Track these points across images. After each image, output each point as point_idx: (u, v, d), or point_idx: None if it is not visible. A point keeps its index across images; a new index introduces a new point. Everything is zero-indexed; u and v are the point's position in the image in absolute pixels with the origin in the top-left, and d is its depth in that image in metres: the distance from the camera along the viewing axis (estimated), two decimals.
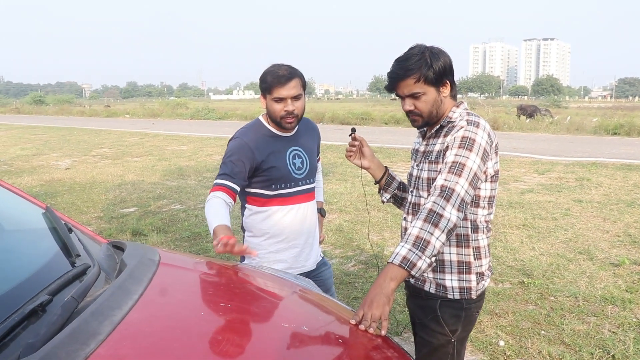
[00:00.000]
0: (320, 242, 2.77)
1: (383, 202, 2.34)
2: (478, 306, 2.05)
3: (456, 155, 1.81)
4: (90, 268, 1.48)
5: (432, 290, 2.01)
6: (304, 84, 2.38)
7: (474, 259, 1.97)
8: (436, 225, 1.70)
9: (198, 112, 34.26)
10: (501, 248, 5.51)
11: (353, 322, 1.56)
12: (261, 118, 2.51)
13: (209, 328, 1.20)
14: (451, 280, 1.97)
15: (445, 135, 1.94)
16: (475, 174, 1.79)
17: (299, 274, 2.38)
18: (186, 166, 11.88)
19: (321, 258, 2.73)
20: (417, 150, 2.14)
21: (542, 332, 3.64)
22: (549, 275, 4.71)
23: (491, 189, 1.96)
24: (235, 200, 2.39)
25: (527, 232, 6.12)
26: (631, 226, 6.27)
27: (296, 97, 2.32)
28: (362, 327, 1.54)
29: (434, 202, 1.73)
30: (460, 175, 1.77)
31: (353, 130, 2.23)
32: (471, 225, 1.95)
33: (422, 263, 1.67)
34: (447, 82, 1.95)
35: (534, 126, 21.35)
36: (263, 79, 2.34)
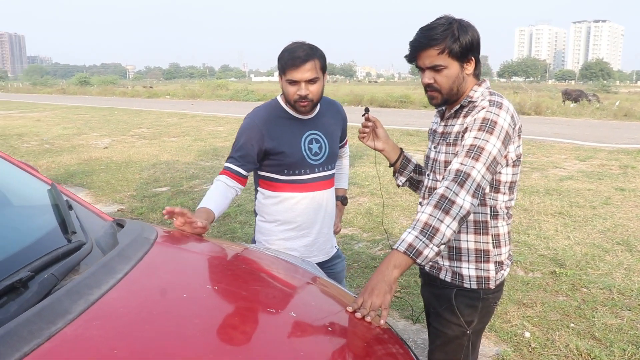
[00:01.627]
0: (336, 233, 2.65)
1: (398, 185, 2.23)
2: (496, 297, 1.94)
3: (475, 137, 1.69)
4: (83, 245, 1.45)
5: (448, 279, 1.91)
6: (323, 66, 2.21)
7: (493, 247, 1.86)
8: (447, 212, 1.59)
9: (237, 93, 34.45)
10: (534, 236, 5.32)
11: (350, 309, 1.48)
12: (279, 98, 2.37)
13: (188, 311, 1.15)
14: (468, 268, 1.87)
15: (465, 116, 1.82)
16: (494, 158, 1.68)
17: None
18: (221, 147, 11.94)
19: (336, 250, 2.60)
20: (434, 131, 2.02)
21: (572, 324, 3.49)
22: (582, 266, 4.52)
23: (512, 174, 1.84)
24: (244, 184, 2.31)
25: (563, 220, 5.90)
26: None
27: (311, 81, 2.16)
28: (359, 314, 1.45)
29: (447, 188, 1.63)
30: (477, 160, 1.65)
31: (366, 110, 2.12)
32: (490, 211, 1.84)
33: (429, 252, 1.57)
34: (472, 59, 1.81)
35: (578, 111, 20.65)
36: (280, 57, 2.19)
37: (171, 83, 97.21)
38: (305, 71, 2.13)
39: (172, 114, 21.30)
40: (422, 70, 1.82)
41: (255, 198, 2.49)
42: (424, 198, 2.00)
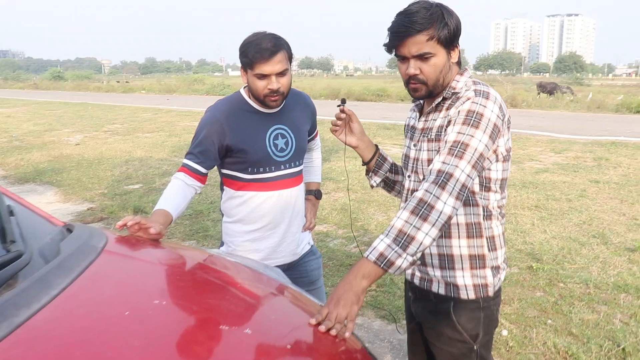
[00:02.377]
0: (310, 229, 2.49)
1: (372, 186, 2.05)
2: (497, 303, 1.77)
3: (459, 132, 1.52)
4: (22, 256, 1.32)
5: (442, 292, 1.72)
6: (290, 56, 2.08)
7: (488, 250, 1.69)
8: (425, 219, 1.43)
9: (214, 87, 34.07)
10: (511, 230, 5.28)
11: (314, 321, 1.35)
12: (242, 91, 2.22)
13: (127, 332, 1.02)
14: (463, 277, 1.69)
15: (448, 109, 1.65)
16: (481, 154, 1.52)
17: (277, 265, 2.18)
18: None
19: (309, 247, 2.48)
20: (412, 127, 1.83)
21: (549, 321, 3.44)
22: (559, 260, 4.49)
23: (503, 170, 1.68)
24: (203, 182, 2.18)
25: (539, 213, 5.88)
26: None
27: (281, 73, 2.03)
28: (322, 327, 1.33)
29: (426, 190, 1.46)
30: (461, 157, 1.49)
31: (342, 101, 1.90)
32: (483, 211, 1.67)
33: (402, 262, 1.42)
34: (457, 45, 1.65)
35: (553, 104, 20.83)
36: (243, 51, 2.04)
37: (147, 78, 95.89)
38: (276, 63, 2.00)
39: (147, 109, 20.94)
40: (403, 59, 1.63)
41: (221, 197, 2.36)
42: (404, 201, 1.81)
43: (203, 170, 2.14)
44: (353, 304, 1.40)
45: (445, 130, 1.60)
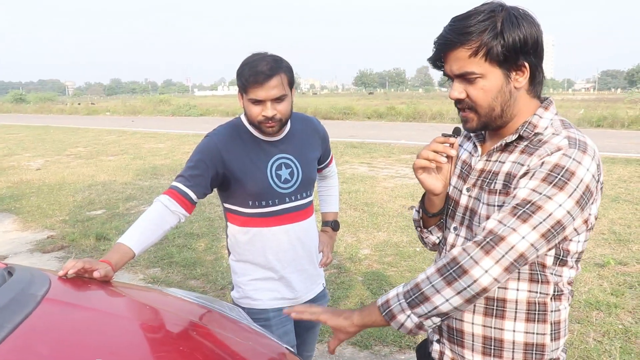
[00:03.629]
0: (326, 265, 2.28)
1: (429, 247, 1.59)
2: None
3: (533, 191, 1.18)
4: None
5: None
6: (290, 80, 1.89)
7: (551, 339, 1.33)
8: (450, 283, 1.17)
9: (179, 108, 33.73)
10: None
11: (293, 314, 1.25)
12: (242, 117, 2.04)
13: None
14: None
15: (523, 152, 1.29)
16: (558, 222, 1.17)
17: (291, 306, 2.03)
18: (161, 165, 11.51)
19: (322, 288, 2.26)
20: (467, 165, 1.44)
21: None
22: None
23: (584, 241, 1.33)
24: (189, 211, 1.93)
25: None
26: (616, 223, 6.05)
27: (278, 99, 1.85)
28: (294, 314, 1.23)
29: (464, 250, 1.19)
30: (525, 221, 1.16)
31: (456, 131, 1.40)
32: (554, 290, 1.32)
33: (406, 320, 1.22)
34: (525, 65, 1.26)
35: None
36: (239, 73, 1.87)
37: (113, 99, 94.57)
38: (271, 89, 1.82)
39: (111, 132, 20.54)
40: (450, 78, 1.32)
41: (226, 234, 2.16)
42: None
43: (193, 196, 1.91)
44: (343, 326, 1.29)
45: (518, 182, 1.25)
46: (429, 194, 1.46)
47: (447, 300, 1.18)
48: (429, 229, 1.54)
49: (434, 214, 1.49)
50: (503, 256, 1.15)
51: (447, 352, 1.45)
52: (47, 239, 6.17)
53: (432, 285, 1.19)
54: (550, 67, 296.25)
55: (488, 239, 1.17)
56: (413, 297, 1.21)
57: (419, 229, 1.56)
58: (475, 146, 1.43)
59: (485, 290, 1.16)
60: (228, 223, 2.10)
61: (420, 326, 1.22)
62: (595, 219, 1.32)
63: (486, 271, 1.15)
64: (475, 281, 1.15)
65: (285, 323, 2.06)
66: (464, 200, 1.40)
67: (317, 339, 2.46)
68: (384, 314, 1.24)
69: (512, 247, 1.16)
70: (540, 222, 1.16)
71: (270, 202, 1.99)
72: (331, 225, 2.39)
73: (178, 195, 1.88)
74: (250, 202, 1.98)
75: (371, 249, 5.40)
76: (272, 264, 2.04)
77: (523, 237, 1.16)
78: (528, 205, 1.17)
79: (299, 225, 2.07)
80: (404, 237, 5.69)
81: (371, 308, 1.29)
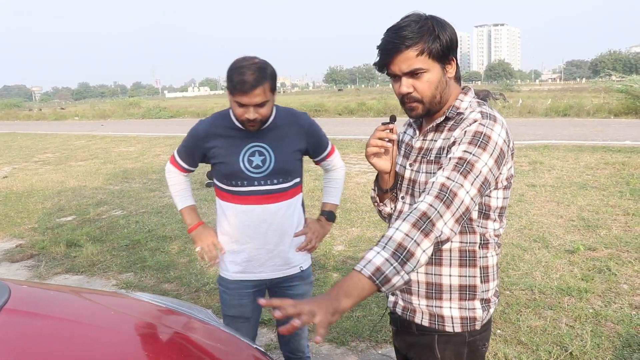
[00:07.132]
0: (309, 250, 2.41)
1: (384, 217, 1.83)
2: (484, 337, 1.66)
3: (465, 151, 1.43)
4: None
5: (426, 323, 1.62)
6: (272, 87, 2.09)
7: (481, 281, 1.59)
8: (426, 235, 1.31)
9: (149, 111, 33.35)
10: None
11: (276, 304, 1.21)
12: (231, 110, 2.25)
13: None
14: (450, 308, 1.59)
15: (450, 129, 1.55)
16: (485, 178, 1.42)
17: (255, 280, 2.32)
18: (132, 168, 11.35)
19: (300, 270, 2.39)
20: (409, 146, 1.71)
21: (498, 331, 3.43)
22: (504, 267, 4.52)
23: (503, 198, 1.58)
24: (188, 173, 2.42)
25: None
26: (584, 209, 6.17)
27: (260, 105, 2.06)
28: (278, 313, 1.18)
29: (430, 205, 1.35)
30: (466, 177, 1.39)
31: (392, 119, 1.65)
32: (480, 240, 1.57)
33: (399, 280, 1.28)
34: (454, 59, 1.56)
35: None
36: (229, 76, 2.06)
37: (81, 103, 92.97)
38: (255, 96, 2.03)
39: (80, 136, 20.17)
40: (396, 77, 1.54)
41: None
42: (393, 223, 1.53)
43: (187, 166, 2.39)
44: (328, 313, 1.21)
45: (448, 151, 1.50)
46: (381, 173, 1.72)
47: (424, 251, 1.31)
48: (384, 202, 1.79)
49: (387, 190, 1.74)
50: (457, 210, 1.36)
51: (400, 302, 1.69)
52: (15, 247, 6.04)
53: (414, 241, 1.30)
54: (517, 59, 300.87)
55: (446, 194, 1.36)
56: (402, 256, 1.29)
57: (376, 203, 1.83)
58: (414, 130, 1.71)
59: (447, 240, 1.36)
60: (216, 196, 2.38)
61: (405, 282, 1.31)
62: (509, 179, 1.57)
63: (446, 223, 1.34)
64: (441, 232, 1.33)
65: (243, 297, 2.33)
66: (407, 174, 1.67)
67: (304, 337, 2.56)
68: (377, 281, 1.26)
69: (462, 202, 1.37)
70: (475, 179, 1.40)
71: (239, 182, 2.23)
72: (326, 214, 2.51)
73: (177, 165, 2.39)
74: (225, 180, 2.26)
75: (345, 245, 5.41)
76: (236, 237, 2.29)
77: (467, 192, 1.38)
78: (465, 164, 1.41)
79: (265, 207, 2.25)
80: (377, 232, 5.72)
81: (352, 282, 1.27)
